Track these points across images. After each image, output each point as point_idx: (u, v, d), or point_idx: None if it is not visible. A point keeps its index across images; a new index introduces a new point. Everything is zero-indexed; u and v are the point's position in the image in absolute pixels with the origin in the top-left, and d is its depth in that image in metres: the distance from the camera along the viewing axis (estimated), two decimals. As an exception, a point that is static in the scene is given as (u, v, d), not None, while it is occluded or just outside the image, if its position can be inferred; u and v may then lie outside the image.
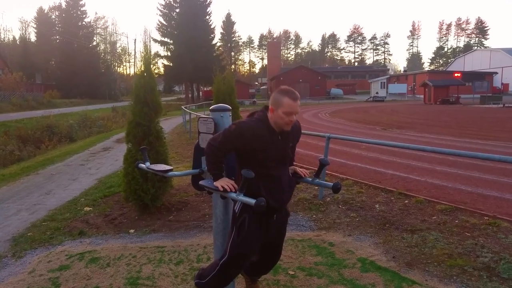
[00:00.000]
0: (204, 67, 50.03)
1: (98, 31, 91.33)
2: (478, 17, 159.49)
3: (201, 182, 2.66)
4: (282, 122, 2.55)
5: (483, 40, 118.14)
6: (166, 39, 58.61)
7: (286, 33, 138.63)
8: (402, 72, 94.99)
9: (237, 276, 2.83)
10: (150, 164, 2.97)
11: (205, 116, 3.07)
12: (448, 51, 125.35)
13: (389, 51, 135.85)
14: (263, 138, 2.54)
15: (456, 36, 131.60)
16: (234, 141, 2.54)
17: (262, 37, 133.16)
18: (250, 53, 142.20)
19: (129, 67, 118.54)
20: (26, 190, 8.04)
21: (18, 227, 5.65)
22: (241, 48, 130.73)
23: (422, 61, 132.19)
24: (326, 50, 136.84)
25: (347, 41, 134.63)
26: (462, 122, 22.12)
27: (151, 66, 5.90)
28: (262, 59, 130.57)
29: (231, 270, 2.71)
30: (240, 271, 2.79)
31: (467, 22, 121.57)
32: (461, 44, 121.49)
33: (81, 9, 68.92)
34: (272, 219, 2.75)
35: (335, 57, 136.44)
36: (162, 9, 58.56)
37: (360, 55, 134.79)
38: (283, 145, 2.65)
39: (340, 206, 6.21)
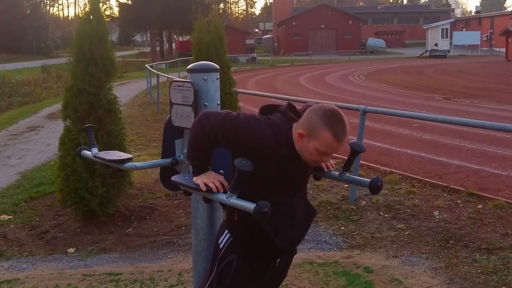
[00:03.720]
0: (179, 7, 49.65)
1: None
2: None
3: (174, 178, 2.63)
4: (309, 158, 2.39)
5: None
6: (121, -36, 58.19)
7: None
8: (473, 14, 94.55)
9: None
10: (99, 151, 2.94)
11: (181, 79, 3.03)
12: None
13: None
14: (280, 156, 2.37)
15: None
16: (238, 137, 2.35)
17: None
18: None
19: (68, 7, 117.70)
20: None
21: None
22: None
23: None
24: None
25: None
26: None
27: (100, 5, 5.84)
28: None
29: None
30: None
31: None
32: None
33: None
34: (273, 265, 2.64)
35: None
36: None
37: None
38: (306, 169, 2.54)
39: (381, 213, 6.22)
